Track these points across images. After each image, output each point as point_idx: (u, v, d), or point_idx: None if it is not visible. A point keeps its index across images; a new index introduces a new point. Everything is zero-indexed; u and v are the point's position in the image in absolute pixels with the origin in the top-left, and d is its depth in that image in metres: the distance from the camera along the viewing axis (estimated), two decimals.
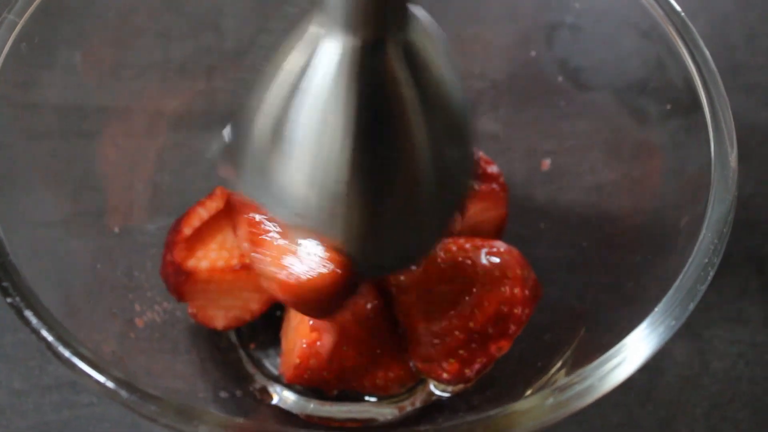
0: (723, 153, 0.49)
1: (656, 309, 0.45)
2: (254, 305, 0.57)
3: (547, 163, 0.64)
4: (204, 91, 0.66)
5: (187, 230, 0.55)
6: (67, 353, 0.41)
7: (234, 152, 0.49)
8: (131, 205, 0.62)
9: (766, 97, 0.78)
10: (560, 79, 0.64)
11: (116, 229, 0.60)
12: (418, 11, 0.45)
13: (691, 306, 0.45)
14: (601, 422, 0.61)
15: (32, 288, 0.44)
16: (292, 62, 0.44)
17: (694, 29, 0.53)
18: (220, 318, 0.57)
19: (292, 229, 0.47)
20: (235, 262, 0.55)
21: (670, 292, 0.45)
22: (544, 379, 0.52)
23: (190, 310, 0.57)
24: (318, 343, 0.53)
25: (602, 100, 0.61)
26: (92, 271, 0.56)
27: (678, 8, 0.54)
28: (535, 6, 0.67)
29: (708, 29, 0.82)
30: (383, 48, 0.42)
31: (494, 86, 0.67)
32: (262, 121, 0.46)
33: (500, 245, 0.56)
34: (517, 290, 0.54)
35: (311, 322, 0.54)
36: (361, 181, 0.45)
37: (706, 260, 0.46)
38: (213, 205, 0.56)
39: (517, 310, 0.54)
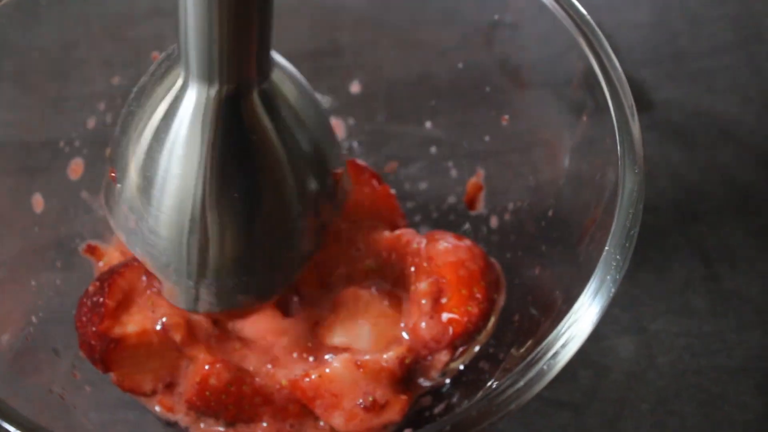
0: (625, 122, 0.51)
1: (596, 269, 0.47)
2: (181, 362, 0.57)
3: (482, 171, 0.65)
4: None
5: (111, 303, 0.55)
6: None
7: (109, 190, 0.53)
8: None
9: (710, 83, 0.78)
10: (498, 80, 0.64)
11: (58, 264, 0.61)
12: (275, 56, 0.49)
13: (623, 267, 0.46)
14: (546, 423, 0.62)
15: None
16: (156, 109, 0.48)
17: (591, 20, 0.54)
18: (148, 381, 0.57)
19: (153, 269, 0.53)
20: (159, 322, 0.55)
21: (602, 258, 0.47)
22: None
23: (115, 379, 0.56)
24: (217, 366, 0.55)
25: (540, 98, 0.62)
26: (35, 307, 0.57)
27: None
28: (474, 6, 0.67)
29: (651, 17, 0.83)
30: (239, 97, 0.46)
31: (435, 90, 0.68)
32: (130, 163, 0.50)
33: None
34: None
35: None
36: (214, 217, 0.49)
37: (628, 224, 0.47)
38: (132, 276, 0.57)
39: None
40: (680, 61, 0.80)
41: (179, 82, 0.47)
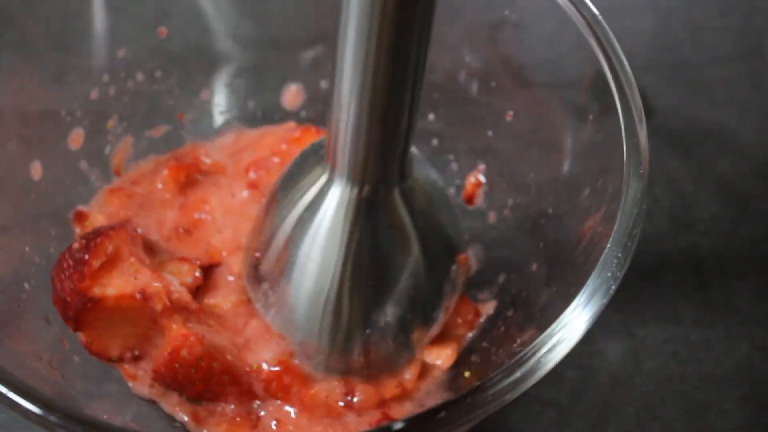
0: (632, 126, 0.51)
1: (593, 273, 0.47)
2: (153, 333, 0.57)
3: (482, 166, 0.65)
4: (148, 93, 0.67)
5: (95, 263, 0.55)
6: None
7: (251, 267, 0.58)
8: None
9: (709, 93, 0.79)
10: (502, 78, 0.64)
11: (53, 232, 0.61)
12: (417, 160, 0.54)
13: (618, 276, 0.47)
14: (531, 421, 0.63)
15: None
16: (302, 198, 0.53)
17: (603, 21, 0.54)
18: (116, 347, 0.57)
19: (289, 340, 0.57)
20: (139, 289, 0.55)
21: (599, 265, 0.47)
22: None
23: (84, 339, 0.56)
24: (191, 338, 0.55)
25: (543, 98, 0.62)
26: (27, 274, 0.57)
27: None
28: (480, 3, 0.67)
29: (654, 25, 0.83)
30: (381, 195, 0.51)
31: (436, 87, 0.68)
32: (272, 246, 0.56)
33: None
34: None
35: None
36: (348, 301, 0.54)
37: (631, 226, 0.48)
38: (119, 240, 0.56)
39: None
40: (681, 70, 0.80)
41: (324, 177, 0.52)
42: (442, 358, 0.59)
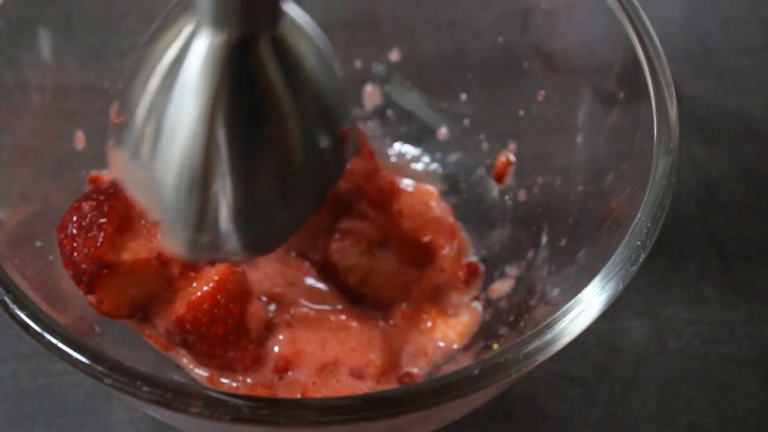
0: (663, 105, 0.52)
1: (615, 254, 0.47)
2: (163, 291, 0.57)
3: (513, 146, 0.66)
4: None
5: (110, 228, 0.55)
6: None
7: (119, 137, 0.51)
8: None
9: (737, 82, 0.80)
10: (533, 61, 0.65)
11: None
12: (290, 7, 0.47)
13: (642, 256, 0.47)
14: (556, 396, 0.64)
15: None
16: (165, 54, 0.46)
17: (640, 8, 0.55)
18: (127, 307, 0.57)
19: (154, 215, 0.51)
20: (155, 253, 0.55)
21: (621, 247, 0.48)
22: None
23: (94, 300, 0.56)
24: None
25: (572, 84, 0.63)
26: None
27: None
28: None
29: (682, 14, 0.84)
30: (248, 44, 0.45)
31: (468, 68, 0.69)
32: (138, 110, 0.48)
33: None
34: None
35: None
36: (216, 167, 0.47)
37: (657, 209, 0.48)
38: (128, 201, 0.55)
39: None
40: (709, 59, 0.81)
41: (189, 28, 0.45)
42: (456, 331, 0.60)
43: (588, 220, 0.57)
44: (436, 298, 0.63)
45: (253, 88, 0.46)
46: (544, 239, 0.61)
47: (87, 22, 0.63)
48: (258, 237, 0.52)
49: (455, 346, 0.61)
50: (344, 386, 0.57)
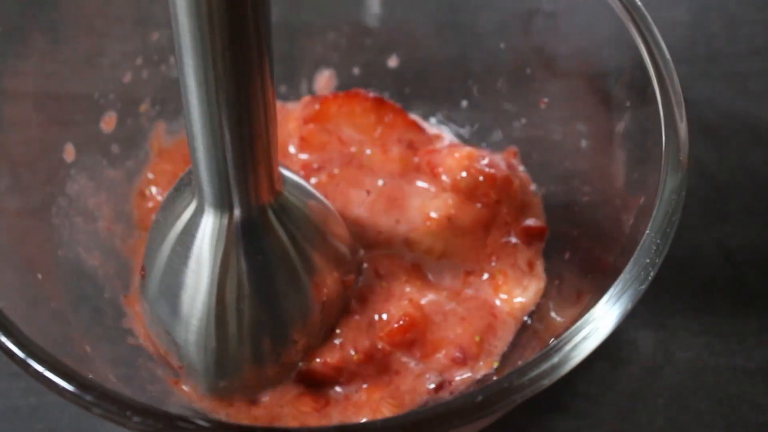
0: (671, 114, 0.51)
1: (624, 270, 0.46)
2: None
3: (516, 151, 0.65)
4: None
5: None
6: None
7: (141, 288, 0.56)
8: None
9: (744, 85, 0.78)
10: (536, 66, 0.64)
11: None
12: (285, 173, 0.52)
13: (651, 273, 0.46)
14: (562, 412, 0.62)
15: None
16: (176, 223, 0.51)
17: (647, 14, 0.54)
18: None
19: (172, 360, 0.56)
20: None
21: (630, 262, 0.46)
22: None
23: None
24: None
25: (577, 87, 0.62)
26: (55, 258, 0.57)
27: None
28: None
29: (688, 17, 0.83)
30: (249, 221, 0.49)
31: (469, 75, 0.68)
32: (154, 270, 0.53)
33: None
34: None
35: None
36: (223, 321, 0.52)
37: (666, 226, 0.47)
38: None
39: None
40: (715, 62, 0.80)
41: (194, 205, 0.49)
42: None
43: (596, 231, 0.56)
44: None
45: (256, 259, 0.50)
46: (549, 251, 0.60)
47: (78, 27, 0.62)
48: (272, 377, 0.56)
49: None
50: None
